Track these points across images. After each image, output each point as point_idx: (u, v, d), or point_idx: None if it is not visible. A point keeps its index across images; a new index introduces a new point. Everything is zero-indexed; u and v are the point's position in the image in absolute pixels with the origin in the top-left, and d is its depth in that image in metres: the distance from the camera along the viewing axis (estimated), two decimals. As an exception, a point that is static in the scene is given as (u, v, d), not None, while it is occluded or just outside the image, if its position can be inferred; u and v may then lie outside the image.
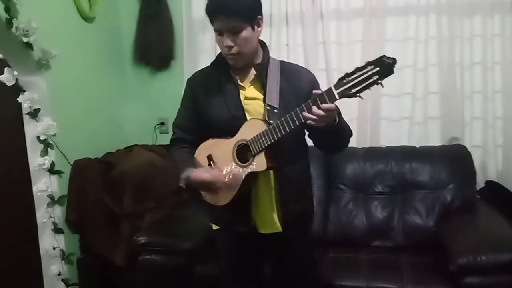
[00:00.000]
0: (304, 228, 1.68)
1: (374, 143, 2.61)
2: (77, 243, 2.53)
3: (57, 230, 2.41)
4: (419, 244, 2.28)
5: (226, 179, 1.51)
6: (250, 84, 1.57)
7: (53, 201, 2.39)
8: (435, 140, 2.57)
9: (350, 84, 1.29)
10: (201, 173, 1.52)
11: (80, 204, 2.45)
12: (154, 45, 2.89)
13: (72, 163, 2.48)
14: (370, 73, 1.27)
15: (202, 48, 2.80)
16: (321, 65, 2.65)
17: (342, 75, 1.32)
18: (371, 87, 1.29)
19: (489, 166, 2.50)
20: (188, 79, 1.68)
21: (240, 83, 1.56)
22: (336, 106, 1.37)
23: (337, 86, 1.32)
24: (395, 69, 1.25)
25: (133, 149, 2.75)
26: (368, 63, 1.27)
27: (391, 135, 2.61)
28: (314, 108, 1.35)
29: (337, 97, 1.32)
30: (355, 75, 1.29)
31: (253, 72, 1.57)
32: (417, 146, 2.52)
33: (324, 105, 1.34)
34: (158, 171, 2.56)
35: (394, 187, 2.41)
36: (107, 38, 2.89)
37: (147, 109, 3.00)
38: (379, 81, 1.27)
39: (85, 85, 2.67)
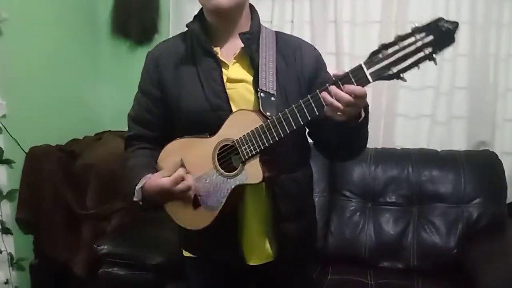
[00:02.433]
0: (303, 256, 1.30)
1: (388, 143, 2.28)
2: (29, 246, 2.23)
3: (4, 230, 2.09)
4: (436, 268, 1.95)
5: (202, 191, 1.12)
6: (234, 60, 1.17)
7: (0, 195, 2.07)
8: (459, 143, 2.24)
9: (389, 61, 0.93)
10: (157, 177, 1.11)
11: (35, 200, 2.15)
12: (135, 15, 2.55)
13: (27, 151, 2.16)
14: (419, 44, 0.91)
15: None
16: (330, 47, 2.29)
17: (375, 48, 0.94)
18: (420, 65, 0.92)
19: (521, 178, 2.14)
20: (149, 52, 1.25)
21: (222, 58, 1.16)
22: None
23: (369, 63, 0.95)
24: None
25: (103, 136, 2.39)
26: (416, 29, 0.91)
27: (408, 136, 2.29)
28: (339, 92, 0.96)
29: (370, 79, 0.95)
30: (396, 48, 0.92)
31: (238, 43, 1.16)
32: (439, 150, 2.18)
33: (352, 88, 0.95)
34: (130, 165, 2.18)
35: (410, 197, 2.07)
36: (77, 3, 2.50)
37: (125, 89, 2.51)
38: (434, 55, 0.91)
39: (47, 59, 2.30)
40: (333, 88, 0.97)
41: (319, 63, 1.21)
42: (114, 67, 2.66)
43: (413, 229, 2.02)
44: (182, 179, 1.09)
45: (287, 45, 1.19)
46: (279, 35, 1.22)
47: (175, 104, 1.17)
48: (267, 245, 1.20)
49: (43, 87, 2.26)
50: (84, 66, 2.57)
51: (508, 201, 2.08)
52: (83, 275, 2.08)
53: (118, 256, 1.86)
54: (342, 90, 0.96)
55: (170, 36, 2.41)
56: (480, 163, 2.07)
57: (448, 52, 2.18)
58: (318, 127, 1.16)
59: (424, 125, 2.26)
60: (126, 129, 2.52)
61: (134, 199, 1.14)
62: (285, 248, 1.20)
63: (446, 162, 2.09)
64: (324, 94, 0.98)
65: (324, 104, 0.99)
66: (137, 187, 1.13)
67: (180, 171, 1.09)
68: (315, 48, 1.24)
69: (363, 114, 1.05)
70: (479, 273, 1.71)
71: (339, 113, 0.98)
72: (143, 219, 2.11)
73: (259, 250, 1.20)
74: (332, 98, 0.97)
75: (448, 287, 1.81)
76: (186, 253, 1.30)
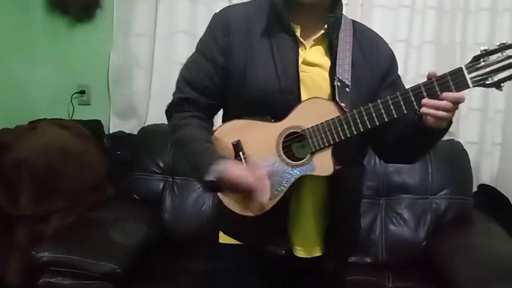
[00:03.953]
0: (347, 254, 1.37)
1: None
2: (-48, 253, 1.91)
3: None
4: (405, 262, 1.91)
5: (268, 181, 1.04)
6: (313, 42, 1.10)
7: None
8: None
9: (491, 68, 0.94)
10: (241, 171, 1.03)
11: (-44, 200, 1.83)
12: (73, -13, 2.27)
13: None
14: None
15: (140, -7, 2.21)
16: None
17: (478, 53, 0.95)
18: None
19: (483, 167, 2.17)
20: (217, 14, 1.15)
21: (300, 38, 1.09)
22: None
23: (470, 67, 0.95)
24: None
25: (38, 125, 2.10)
26: None
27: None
28: (437, 102, 0.95)
29: (470, 84, 0.94)
30: (499, 56, 0.94)
31: (321, 24, 1.10)
32: (404, 139, 2.11)
33: (452, 95, 0.95)
34: (71, 158, 1.96)
35: (377, 189, 2.01)
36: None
37: (62, 72, 2.39)
38: None
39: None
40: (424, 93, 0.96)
41: (393, 62, 1.17)
42: (49, 46, 2.36)
43: (381, 222, 1.96)
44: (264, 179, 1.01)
45: (364, 37, 1.15)
46: (356, 25, 1.16)
47: (240, 78, 1.08)
48: (317, 239, 1.15)
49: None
50: (13, 45, 2.26)
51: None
52: (17, 285, 1.83)
53: (61, 264, 1.62)
54: (437, 90, 0.95)
55: (115, 13, 2.24)
56: (446, 153, 2.03)
57: (415, 38, 2.15)
58: (388, 127, 1.07)
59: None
60: (65, 116, 2.35)
61: (208, 177, 1.02)
62: (336, 243, 1.17)
63: None
64: (426, 100, 0.95)
65: (414, 107, 0.97)
66: (216, 167, 1.02)
67: (264, 172, 1.02)
68: (387, 44, 1.19)
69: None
70: (448, 265, 1.69)
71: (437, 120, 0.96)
72: (88, 220, 1.88)
73: (309, 243, 1.15)
74: (432, 104, 0.95)
75: (418, 281, 1.78)
76: (224, 240, 1.21)
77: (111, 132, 2.28)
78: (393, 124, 1.05)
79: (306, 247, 1.16)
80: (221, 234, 1.22)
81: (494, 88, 0.94)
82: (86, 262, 1.62)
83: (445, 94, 0.94)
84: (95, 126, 2.24)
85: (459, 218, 1.93)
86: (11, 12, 2.24)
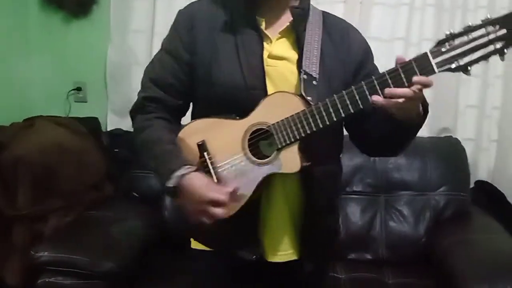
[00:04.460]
0: (327, 255, 1.25)
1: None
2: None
3: None
4: (405, 258, 1.92)
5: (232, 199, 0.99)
6: (280, 35, 1.06)
7: None
8: (421, 130, 2.14)
9: (456, 52, 0.90)
10: (204, 185, 0.98)
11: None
12: (69, -18, 2.24)
13: None
14: (491, 37, 0.88)
15: (137, -12, 2.18)
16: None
17: (443, 37, 0.91)
18: (488, 59, 0.90)
19: (480, 164, 2.17)
20: (181, 11, 1.12)
21: (266, 32, 1.06)
22: None
23: (435, 52, 0.91)
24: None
25: (34, 122, 2.07)
26: (489, 21, 0.88)
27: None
28: (395, 90, 0.91)
29: (435, 69, 0.91)
30: (465, 38, 0.89)
31: (287, 16, 1.07)
32: (402, 136, 2.11)
33: (417, 78, 0.90)
34: (68, 156, 1.95)
35: (377, 186, 2.01)
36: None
37: (58, 69, 2.36)
38: (505, 51, 0.89)
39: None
40: (387, 81, 0.91)
41: (367, 51, 1.12)
42: (45, 42, 2.34)
43: (381, 219, 1.97)
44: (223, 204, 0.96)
45: (334, 28, 1.10)
46: (326, 16, 1.12)
47: (205, 75, 1.05)
48: (291, 242, 1.10)
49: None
50: (9, 41, 2.24)
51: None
52: (16, 286, 1.81)
53: (60, 263, 1.60)
54: (402, 77, 0.91)
55: (111, 8, 2.21)
56: (444, 150, 2.05)
57: (415, 35, 2.15)
58: (363, 118, 1.05)
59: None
60: (60, 114, 2.31)
61: (168, 184, 0.98)
62: (312, 245, 1.11)
63: (411, 149, 1.95)
64: (388, 89, 0.91)
65: (372, 97, 0.93)
66: (177, 173, 0.98)
67: (229, 190, 0.96)
68: (361, 34, 1.14)
69: (421, 110, 0.98)
70: (448, 262, 1.70)
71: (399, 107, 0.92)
72: (86, 219, 1.86)
73: (282, 247, 1.10)
74: (394, 91, 0.91)
75: (418, 277, 1.79)
76: (195, 245, 1.16)
77: (108, 129, 2.25)
78: (370, 117, 1.04)
79: (280, 251, 1.10)
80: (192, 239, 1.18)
81: (461, 73, 0.91)
82: (85, 262, 1.61)
83: (415, 78, 0.89)
84: (92, 124, 2.21)
85: (458, 214, 1.95)
86: (6, 7, 2.21)
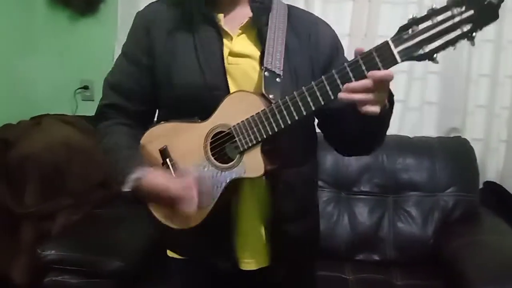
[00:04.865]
0: (302, 261, 1.14)
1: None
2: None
3: None
4: (413, 259, 1.90)
5: (196, 190, 0.94)
6: (240, 31, 1.02)
7: None
8: (429, 130, 2.18)
9: (420, 38, 0.81)
10: (164, 180, 0.95)
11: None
12: (76, -20, 2.25)
13: None
14: (457, 19, 0.79)
15: (145, -12, 2.14)
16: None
17: (406, 21, 0.82)
18: (456, 45, 0.80)
19: (489, 164, 2.14)
20: (138, 13, 1.07)
21: (225, 28, 1.01)
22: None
23: (397, 40, 0.82)
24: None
25: (42, 121, 2.07)
26: (453, 2, 0.79)
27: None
28: (354, 84, 0.84)
29: (397, 58, 0.82)
30: (429, 23, 0.80)
31: (246, 12, 1.02)
32: (410, 136, 2.11)
33: (377, 73, 0.82)
34: (76, 154, 1.95)
35: (385, 186, 1.99)
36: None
37: (65, 67, 2.36)
38: (473, 34, 0.79)
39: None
40: (347, 74, 0.84)
41: (337, 45, 1.06)
42: (52, 40, 2.35)
43: (389, 219, 1.95)
44: (190, 188, 0.92)
45: (300, 21, 1.04)
46: (291, 9, 1.06)
47: (164, 78, 1.00)
48: (264, 248, 1.05)
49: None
50: (17, 40, 2.25)
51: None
52: (23, 284, 1.81)
53: (67, 262, 1.60)
54: (363, 69, 0.83)
55: (119, 6, 2.21)
56: (453, 150, 2.03)
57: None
58: (332, 117, 1.01)
59: (396, 111, 2.17)
60: (67, 112, 2.31)
61: (124, 188, 0.95)
62: (283, 252, 1.05)
63: (419, 149, 2.03)
64: (348, 84, 0.83)
65: (334, 92, 0.86)
66: (132, 176, 0.94)
67: (191, 180, 0.92)
68: (330, 27, 1.08)
69: (386, 103, 0.90)
70: (457, 263, 1.67)
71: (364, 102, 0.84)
72: (94, 218, 1.87)
73: (254, 253, 1.05)
74: (354, 86, 0.83)
75: (426, 278, 1.77)
76: (170, 254, 1.12)
77: (115, 128, 2.25)
78: (340, 115, 0.98)
79: (253, 258, 1.05)
80: None
81: (430, 62, 0.81)
82: (92, 260, 1.61)
83: (374, 73, 0.81)
84: (99, 122, 2.21)
85: (467, 215, 1.93)
86: (13, 6, 2.21)
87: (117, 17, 2.20)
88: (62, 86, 2.33)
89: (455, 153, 2.02)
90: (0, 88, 2.12)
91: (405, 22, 0.82)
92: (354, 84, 0.83)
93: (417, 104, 2.15)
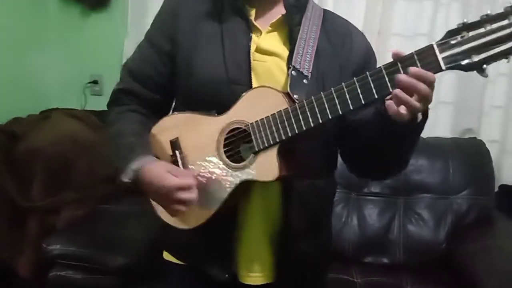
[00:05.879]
0: (312, 279, 1.05)
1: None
2: (-37, 243, 1.90)
3: None
4: (424, 264, 1.84)
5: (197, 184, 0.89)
6: (271, 28, 0.97)
7: None
8: (444, 130, 2.12)
9: (469, 46, 0.73)
10: (161, 169, 0.89)
11: (-32, 190, 1.82)
12: (88, -25, 2.25)
13: (-43, 132, 1.85)
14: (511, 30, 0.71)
15: (155, -17, 2.16)
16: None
17: (453, 27, 0.75)
18: (508, 58, 0.72)
19: (505, 167, 2.08)
20: None
21: (255, 23, 0.96)
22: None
23: (443, 45, 0.75)
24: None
25: (51, 115, 2.07)
26: (510, 10, 0.71)
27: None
28: (405, 78, 0.76)
29: (442, 65, 0.75)
30: (481, 30, 0.73)
31: (279, 9, 0.97)
32: (424, 136, 2.03)
33: (424, 73, 0.75)
34: (83, 149, 1.94)
35: (396, 188, 1.93)
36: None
37: (75, 61, 2.36)
38: None
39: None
40: (401, 76, 0.76)
41: (370, 56, 1.01)
42: (62, 35, 2.35)
43: (399, 222, 1.90)
44: (189, 188, 0.86)
45: (335, 27, 1.00)
46: (327, 14, 1.02)
47: (186, 66, 0.95)
48: (267, 263, 0.97)
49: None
50: (27, 33, 2.24)
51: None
52: (29, 277, 1.80)
53: (72, 257, 1.59)
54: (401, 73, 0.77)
55: (129, 2, 2.20)
56: (468, 152, 1.97)
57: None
58: (353, 127, 0.94)
59: (410, 110, 2.13)
60: (76, 107, 2.32)
61: (123, 178, 0.90)
62: (290, 269, 0.98)
63: (433, 150, 1.97)
64: (400, 76, 0.76)
65: (376, 95, 0.79)
66: (132, 166, 0.90)
67: (191, 180, 0.87)
68: (365, 37, 1.04)
69: (419, 116, 0.83)
70: (470, 269, 1.62)
71: (402, 109, 0.77)
72: (99, 213, 1.86)
73: (256, 267, 0.98)
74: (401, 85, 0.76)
75: (438, 284, 1.72)
76: (167, 257, 1.07)
77: (124, 123, 2.24)
78: (363, 128, 0.91)
79: (254, 272, 0.98)
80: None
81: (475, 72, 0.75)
82: (97, 256, 1.60)
83: (412, 69, 0.75)
84: (108, 117, 2.20)
85: (481, 219, 1.86)
86: (24, 0, 2.21)
87: (128, 13, 2.20)
88: (72, 81, 2.33)
89: (469, 155, 1.95)
90: (10, 82, 2.12)
91: (454, 26, 0.77)
92: (403, 76, 0.76)
93: (432, 103, 2.05)
